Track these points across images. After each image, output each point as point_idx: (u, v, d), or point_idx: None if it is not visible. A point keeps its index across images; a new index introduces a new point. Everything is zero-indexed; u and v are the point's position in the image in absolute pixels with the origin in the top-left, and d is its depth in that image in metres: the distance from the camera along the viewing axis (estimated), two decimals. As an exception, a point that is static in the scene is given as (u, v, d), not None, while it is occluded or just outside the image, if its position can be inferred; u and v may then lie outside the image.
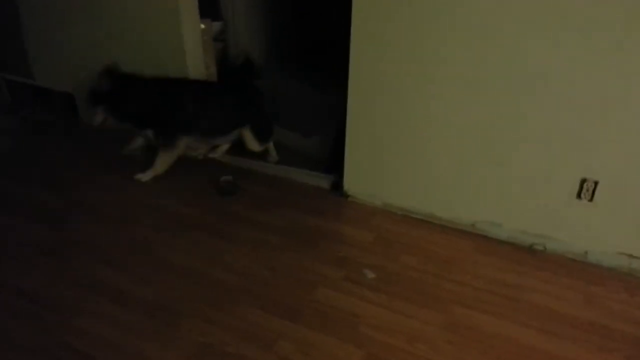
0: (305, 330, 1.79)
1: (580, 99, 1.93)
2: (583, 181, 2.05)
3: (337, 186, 2.60)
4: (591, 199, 2.06)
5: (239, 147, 2.84)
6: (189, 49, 2.68)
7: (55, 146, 3.03)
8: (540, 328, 1.82)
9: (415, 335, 1.78)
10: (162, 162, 2.67)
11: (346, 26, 2.18)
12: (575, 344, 1.77)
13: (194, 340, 1.74)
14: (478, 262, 2.15)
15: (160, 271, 2.05)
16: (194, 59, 2.74)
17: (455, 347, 1.74)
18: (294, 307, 1.89)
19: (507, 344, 1.76)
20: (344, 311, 1.88)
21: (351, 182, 2.53)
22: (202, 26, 2.79)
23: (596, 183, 2.03)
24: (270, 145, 2.86)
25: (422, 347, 1.74)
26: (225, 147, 2.90)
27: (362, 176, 2.49)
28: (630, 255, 2.08)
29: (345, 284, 2.01)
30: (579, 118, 1.96)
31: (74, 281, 1.98)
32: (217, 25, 3.10)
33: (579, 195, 2.07)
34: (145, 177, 2.67)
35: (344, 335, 1.77)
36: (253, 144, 2.76)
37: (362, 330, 1.80)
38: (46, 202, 2.49)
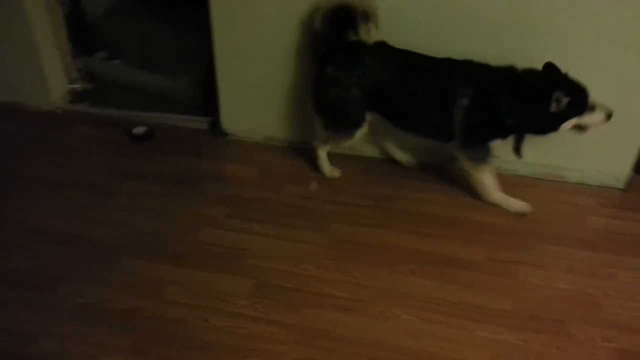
0: (190, 272, 1.77)
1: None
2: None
3: (217, 126, 2.52)
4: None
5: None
6: None
7: None
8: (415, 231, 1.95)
9: (301, 257, 1.83)
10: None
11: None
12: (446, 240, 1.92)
13: (71, 303, 1.65)
14: (358, 181, 2.22)
15: (28, 238, 1.90)
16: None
17: (340, 262, 1.82)
18: (178, 252, 1.85)
19: (388, 250, 1.86)
20: (230, 247, 1.87)
21: (228, 120, 2.44)
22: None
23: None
24: None
25: (309, 267, 1.79)
26: None
27: (239, 113, 2.42)
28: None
29: (230, 221, 1.99)
30: None
31: None
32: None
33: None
34: None
35: (231, 269, 1.78)
36: None
37: (249, 262, 1.81)
38: None
